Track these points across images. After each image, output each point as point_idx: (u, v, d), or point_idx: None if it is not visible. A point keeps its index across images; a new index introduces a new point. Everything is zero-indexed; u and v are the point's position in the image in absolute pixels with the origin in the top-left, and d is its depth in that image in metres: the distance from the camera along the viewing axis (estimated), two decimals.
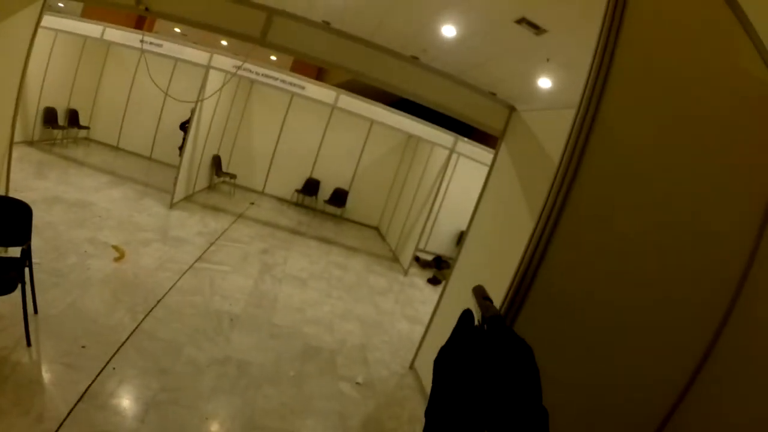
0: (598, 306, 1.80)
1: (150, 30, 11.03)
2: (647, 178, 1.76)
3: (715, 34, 1.75)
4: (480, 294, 1.56)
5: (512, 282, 1.79)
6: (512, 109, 4.74)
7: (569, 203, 1.70)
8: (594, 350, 1.85)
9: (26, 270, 3.38)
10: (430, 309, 5.47)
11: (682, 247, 1.83)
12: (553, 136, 3.77)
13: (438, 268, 10.04)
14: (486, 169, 4.99)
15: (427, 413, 0.69)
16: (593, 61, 1.70)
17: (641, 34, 1.69)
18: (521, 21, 2.94)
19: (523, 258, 1.78)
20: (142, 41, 8.11)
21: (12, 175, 4.33)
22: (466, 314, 1.50)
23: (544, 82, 3.80)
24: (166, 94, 8.66)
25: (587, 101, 1.69)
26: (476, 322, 1.47)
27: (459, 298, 4.60)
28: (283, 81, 8.84)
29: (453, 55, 4.19)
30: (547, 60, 3.39)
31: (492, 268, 4.02)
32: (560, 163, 1.73)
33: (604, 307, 1.81)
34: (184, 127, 9.09)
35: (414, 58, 4.60)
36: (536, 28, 2.97)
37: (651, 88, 1.73)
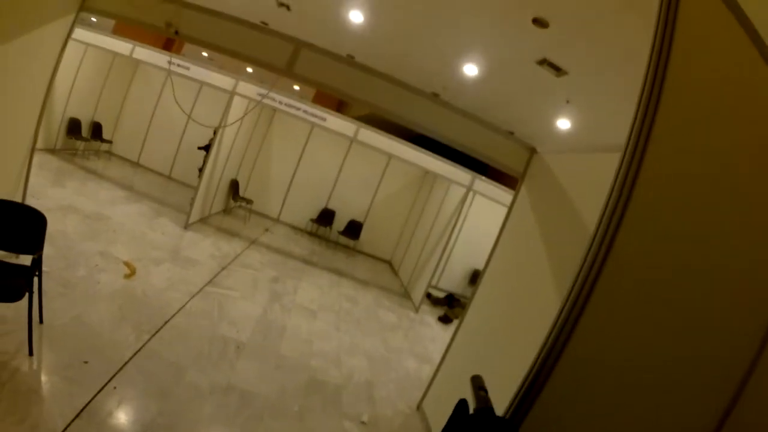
0: (623, 378, 1.76)
1: (178, 52, 11.33)
2: (681, 249, 1.72)
3: (757, 94, 1.73)
4: (476, 385, 1.75)
5: (539, 353, 1.76)
6: (533, 150, 4.72)
7: (603, 275, 1.68)
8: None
9: (35, 279, 3.37)
10: (439, 348, 5.36)
11: (707, 314, 1.77)
12: (577, 181, 3.72)
13: (450, 307, 9.89)
14: (501, 208, 4.96)
15: None
16: (633, 127, 1.68)
17: (683, 100, 1.67)
18: (543, 62, 2.96)
19: (551, 331, 1.75)
20: (169, 62, 8.32)
21: (30, 181, 4.40)
22: (461, 404, 1.68)
23: (563, 123, 3.79)
24: (189, 117, 8.82)
25: (625, 171, 1.66)
26: (471, 411, 1.65)
27: (472, 341, 4.50)
28: (305, 111, 8.98)
29: (473, 93, 4.22)
30: (567, 102, 3.39)
31: (508, 317, 3.94)
32: (593, 240, 1.70)
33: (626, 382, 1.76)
34: (205, 148, 9.22)
35: (434, 95, 4.65)
36: (557, 70, 2.98)
37: (690, 153, 1.70)
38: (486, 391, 1.70)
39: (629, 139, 1.69)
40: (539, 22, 2.54)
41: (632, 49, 2.23)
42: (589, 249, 1.73)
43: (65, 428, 2.83)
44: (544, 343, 1.76)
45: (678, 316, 1.75)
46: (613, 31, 2.29)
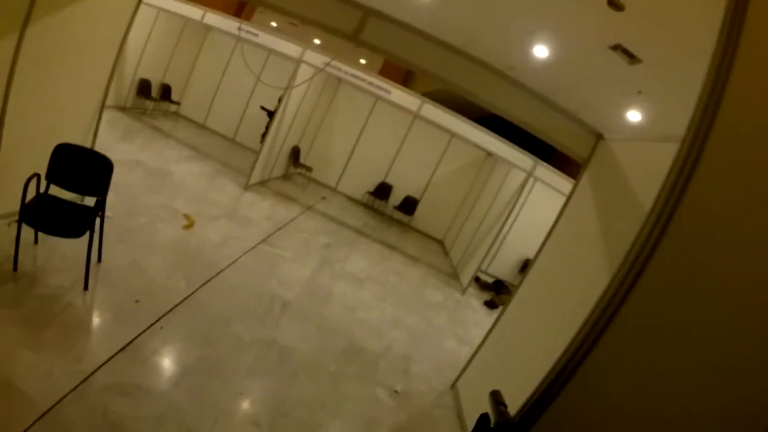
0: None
1: (248, 19, 11.56)
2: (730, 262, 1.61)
3: None
4: (495, 400, 1.82)
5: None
6: (600, 136, 4.52)
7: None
8: None
9: (97, 220, 3.60)
10: (481, 332, 5.32)
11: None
12: (643, 172, 3.50)
13: (497, 293, 9.76)
14: (561, 199, 4.79)
15: None
16: (692, 120, 1.57)
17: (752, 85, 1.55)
18: (616, 47, 2.80)
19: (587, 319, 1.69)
20: (239, 29, 8.53)
21: (100, 135, 4.65)
22: (483, 418, 1.75)
23: (634, 115, 3.60)
24: (258, 78, 9.05)
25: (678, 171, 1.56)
26: (492, 425, 1.71)
27: (514, 329, 4.42)
28: (370, 83, 8.97)
29: (542, 75, 4.06)
30: (639, 92, 3.21)
31: (553, 309, 3.82)
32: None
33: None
34: (269, 113, 9.43)
35: (502, 74, 4.51)
36: (631, 57, 2.81)
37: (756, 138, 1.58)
38: (505, 406, 1.76)
39: (692, 120, 1.59)
40: (615, 5, 2.40)
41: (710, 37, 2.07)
42: (631, 250, 1.66)
43: (107, 360, 3.02)
44: (576, 335, 1.71)
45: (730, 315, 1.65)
46: (694, 17, 2.13)
